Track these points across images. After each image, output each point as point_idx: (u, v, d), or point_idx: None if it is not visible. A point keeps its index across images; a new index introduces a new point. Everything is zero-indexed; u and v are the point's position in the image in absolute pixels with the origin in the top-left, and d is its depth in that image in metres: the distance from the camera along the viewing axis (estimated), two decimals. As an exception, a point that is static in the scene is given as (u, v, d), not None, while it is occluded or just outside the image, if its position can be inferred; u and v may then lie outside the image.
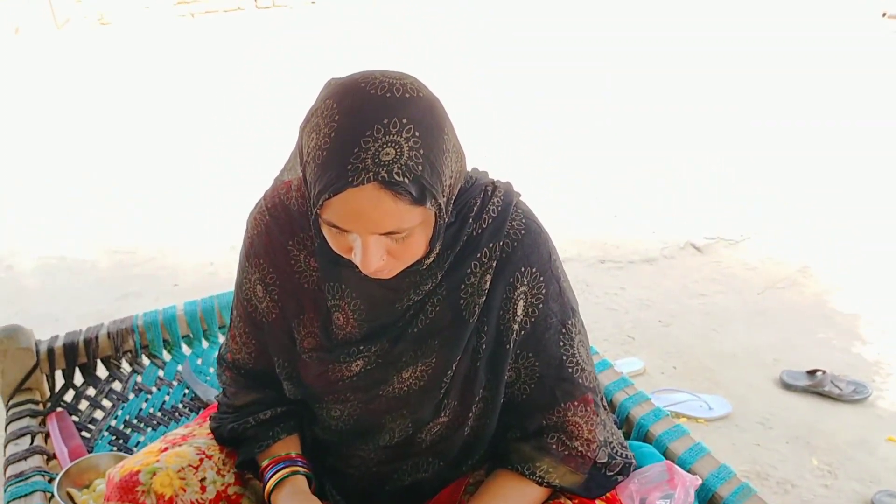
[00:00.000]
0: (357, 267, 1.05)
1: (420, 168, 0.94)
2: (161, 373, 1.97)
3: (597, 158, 5.11)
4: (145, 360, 1.99)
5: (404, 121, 0.93)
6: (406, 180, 0.93)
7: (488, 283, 1.17)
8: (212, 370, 1.97)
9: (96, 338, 1.91)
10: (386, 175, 0.92)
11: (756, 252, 3.86)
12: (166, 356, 2.01)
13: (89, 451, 1.73)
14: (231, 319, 1.36)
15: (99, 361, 1.95)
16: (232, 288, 1.98)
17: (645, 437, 1.62)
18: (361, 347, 1.19)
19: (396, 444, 1.27)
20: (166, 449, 1.30)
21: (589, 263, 3.73)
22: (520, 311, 1.19)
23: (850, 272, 3.65)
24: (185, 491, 1.24)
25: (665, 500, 1.36)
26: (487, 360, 1.21)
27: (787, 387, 2.77)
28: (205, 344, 2.04)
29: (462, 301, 1.17)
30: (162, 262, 3.78)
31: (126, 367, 1.97)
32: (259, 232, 1.24)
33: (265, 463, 1.26)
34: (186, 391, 1.93)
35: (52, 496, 1.57)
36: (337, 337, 1.21)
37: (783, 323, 3.23)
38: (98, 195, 4.58)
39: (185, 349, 2.03)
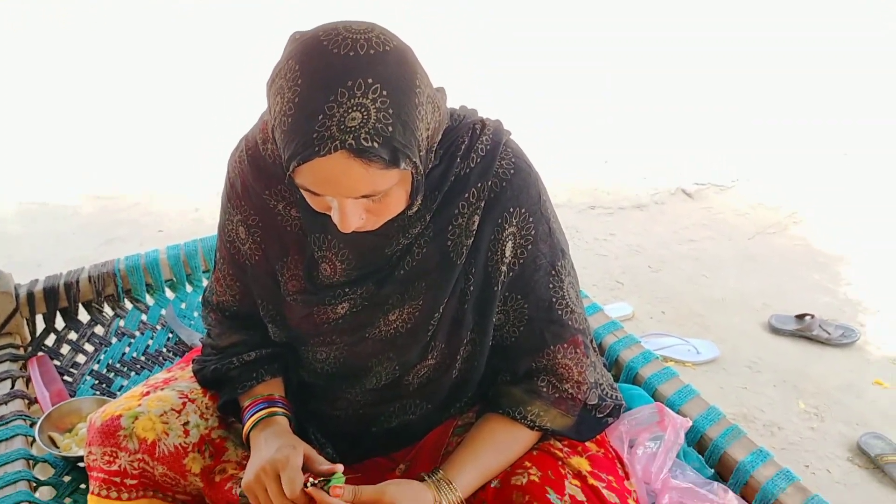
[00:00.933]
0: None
1: (391, 129, 0.90)
2: (144, 317, 1.94)
3: (588, 106, 5.05)
4: (128, 305, 1.96)
5: (370, 80, 0.88)
6: (375, 145, 0.89)
7: (476, 224, 1.14)
8: (196, 314, 1.94)
9: (77, 282, 1.88)
10: (353, 142, 0.87)
11: (747, 198, 3.84)
12: (149, 300, 1.98)
13: (71, 396, 1.71)
14: (215, 262, 1.33)
15: (81, 306, 1.92)
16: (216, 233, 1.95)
17: (634, 380, 1.62)
18: (347, 290, 1.17)
19: (383, 386, 1.25)
20: (148, 393, 1.28)
21: (579, 210, 3.70)
22: (508, 253, 1.17)
23: (840, 218, 3.64)
24: (167, 435, 1.22)
25: (655, 442, 1.36)
26: (475, 303, 1.19)
27: (776, 331, 2.77)
28: (188, 288, 2.01)
29: (450, 242, 1.14)
30: (147, 208, 3.73)
31: (108, 311, 1.94)
32: (240, 174, 1.20)
33: (246, 403, 1.24)
34: (170, 335, 1.90)
35: (34, 440, 1.55)
36: (322, 282, 1.19)
37: (773, 268, 3.23)
38: (81, 139, 4.49)
39: (169, 293, 2.00)
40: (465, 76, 5.19)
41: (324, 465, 1.11)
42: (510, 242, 1.16)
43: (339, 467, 1.09)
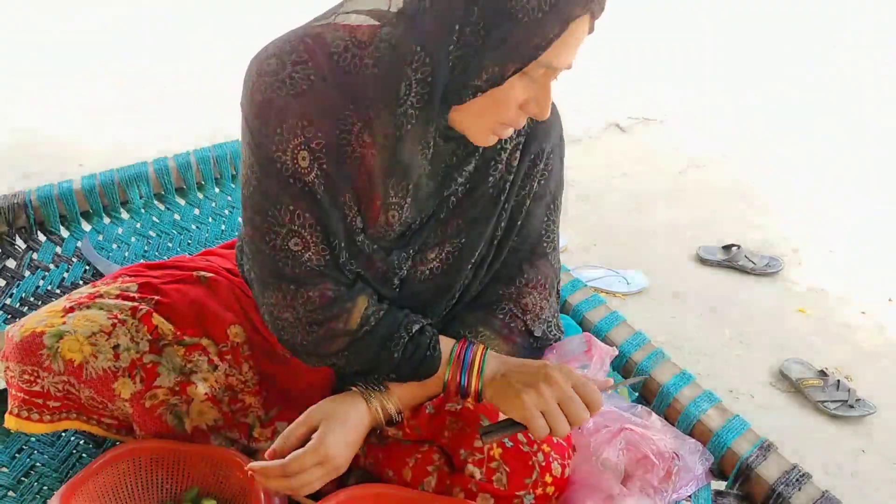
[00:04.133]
0: (480, 137, 1.03)
1: None
2: (59, 249, 1.86)
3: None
4: (41, 237, 1.88)
5: None
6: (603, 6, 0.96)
7: (517, 160, 1.15)
8: (115, 246, 1.87)
9: (-14, 213, 1.79)
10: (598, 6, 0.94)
11: (678, 133, 3.87)
12: (64, 233, 1.89)
13: (-17, 331, 1.64)
14: (260, 224, 1.08)
15: (-9, 239, 1.83)
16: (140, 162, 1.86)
17: (563, 308, 1.62)
18: (403, 255, 1.15)
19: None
20: (73, 309, 1.21)
21: (512, 143, 3.68)
22: (534, 187, 1.18)
23: (767, 153, 3.70)
24: (96, 358, 1.17)
25: (582, 370, 1.36)
26: (500, 239, 1.20)
27: (703, 262, 2.82)
28: (106, 220, 1.92)
29: (491, 178, 1.14)
30: (65, 141, 3.58)
31: (20, 243, 1.85)
32: (300, 92, 1.00)
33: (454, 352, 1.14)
34: (87, 267, 1.83)
35: (-59, 376, 1.48)
36: (378, 230, 1.11)
37: (702, 201, 3.27)
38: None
39: (85, 225, 1.92)
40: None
41: None
42: (537, 178, 1.18)
43: None
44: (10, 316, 1.70)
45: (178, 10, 5.14)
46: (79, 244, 1.86)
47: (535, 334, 1.25)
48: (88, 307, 1.21)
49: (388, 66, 0.98)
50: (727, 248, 2.82)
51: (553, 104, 1.15)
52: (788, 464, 1.25)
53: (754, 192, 3.35)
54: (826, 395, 2.22)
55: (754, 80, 4.48)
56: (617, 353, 1.43)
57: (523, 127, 1.12)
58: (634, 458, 1.23)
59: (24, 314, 1.70)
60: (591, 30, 0.96)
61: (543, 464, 1.09)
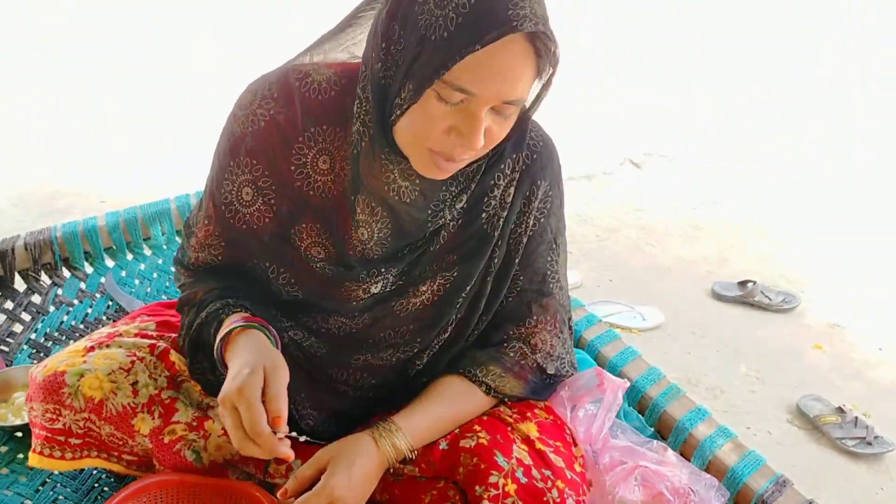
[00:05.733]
0: (421, 163, 1.01)
1: (554, 34, 0.93)
2: (83, 285, 1.89)
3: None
4: (66, 273, 1.91)
5: None
6: (552, 41, 0.92)
7: (511, 196, 1.15)
8: (137, 282, 1.91)
9: (12, 249, 1.82)
10: (543, 28, 0.90)
11: (692, 168, 3.89)
12: (88, 268, 1.93)
13: (8, 365, 1.67)
14: (193, 221, 1.24)
15: (17, 275, 1.87)
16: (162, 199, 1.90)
17: (578, 343, 1.63)
18: (382, 269, 1.14)
19: (395, 361, 1.24)
20: (93, 349, 1.23)
21: (528, 179, 3.70)
22: (530, 224, 1.19)
23: (783, 187, 3.71)
24: (115, 395, 1.19)
25: (595, 405, 1.37)
26: (495, 276, 1.20)
27: (719, 297, 2.82)
28: (129, 256, 1.96)
29: (485, 214, 1.15)
30: (89, 179, 3.64)
31: (45, 279, 1.89)
32: (257, 129, 1.10)
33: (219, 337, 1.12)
34: (110, 303, 1.86)
35: (-32, 410, 1.51)
36: (353, 252, 1.13)
37: (716, 237, 3.28)
38: (19, 109, 4.35)
39: (108, 261, 1.96)
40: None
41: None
42: (533, 214, 1.18)
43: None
44: (35, 350, 1.73)
45: (206, 48, 5.23)
46: (102, 280, 1.90)
47: (549, 371, 1.26)
48: (108, 346, 1.24)
49: (344, 87, 1.06)
50: (743, 283, 2.82)
51: (548, 140, 1.18)
52: (804, 500, 1.25)
53: (769, 228, 3.36)
54: (844, 432, 2.20)
55: (763, 115, 4.50)
56: (628, 385, 1.44)
57: (518, 162, 1.14)
58: (650, 495, 1.24)
59: (48, 349, 1.74)
60: (545, 56, 0.92)
61: (558, 500, 1.09)
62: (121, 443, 1.23)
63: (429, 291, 1.18)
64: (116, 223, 1.93)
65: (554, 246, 1.22)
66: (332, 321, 1.21)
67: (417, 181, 1.07)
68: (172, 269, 1.32)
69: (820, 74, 4.80)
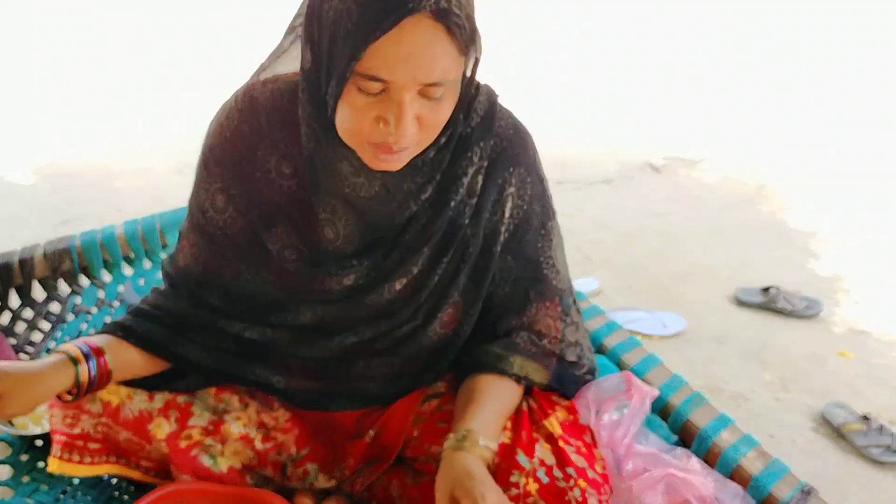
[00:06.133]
0: (367, 157, 1.02)
1: (468, 9, 0.92)
2: (102, 293, 1.90)
3: (554, 81, 5.04)
4: (85, 281, 1.92)
5: None
6: (461, 15, 0.90)
7: (480, 185, 1.15)
8: (155, 290, 1.91)
9: (31, 258, 1.82)
10: (445, 4, 0.88)
11: (713, 172, 3.86)
12: (106, 277, 1.93)
13: (27, 374, 1.67)
14: (181, 230, 1.29)
15: (36, 283, 1.87)
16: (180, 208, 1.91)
17: (598, 350, 1.61)
18: (354, 262, 1.15)
19: (355, 343, 1.23)
20: None
21: (546, 185, 3.69)
22: (507, 213, 1.18)
23: (805, 191, 3.67)
24: (132, 400, 1.22)
25: (621, 410, 1.35)
26: (471, 266, 1.19)
27: (741, 303, 2.79)
28: (147, 264, 1.96)
29: (453, 203, 1.14)
30: (105, 187, 3.66)
31: (65, 288, 1.90)
32: (224, 140, 1.16)
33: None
34: (129, 312, 1.87)
35: (-11, 419, 1.52)
36: (326, 249, 1.16)
37: (738, 242, 3.25)
38: (35, 118, 4.40)
39: (127, 269, 1.96)
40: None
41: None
42: (509, 202, 1.18)
43: None
44: (53, 359, 1.73)
45: (226, 59, 5.26)
46: (121, 288, 1.90)
47: (569, 358, 1.25)
48: None
49: (294, 93, 1.10)
50: (766, 289, 2.79)
51: (519, 127, 1.18)
52: (830, 509, 1.23)
53: (791, 232, 3.32)
54: (869, 440, 2.17)
55: (786, 120, 4.47)
56: (657, 393, 1.42)
57: (486, 150, 1.13)
58: (675, 503, 1.22)
59: (67, 357, 1.74)
60: (458, 31, 0.91)
61: (580, 499, 1.08)
62: (138, 448, 1.26)
63: (402, 283, 1.17)
64: (134, 232, 1.93)
65: (543, 232, 1.22)
66: (304, 313, 1.22)
67: (378, 175, 1.08)
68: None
69: (842, 77, 4.76)
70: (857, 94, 4.82)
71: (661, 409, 1.45)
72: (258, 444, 1.26)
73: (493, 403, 1.17)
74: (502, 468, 1.11)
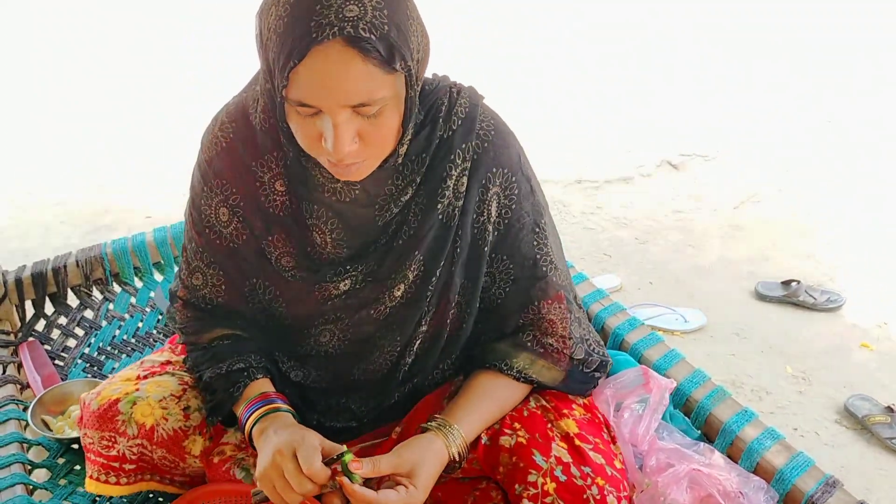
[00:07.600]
0: (328, 169, 1.05)
1: (386, 27, 0.92)
2: (133, 300, 1.94)
3: (572, 78, 5.05)
4: (117, 288, 1.97)
5: None
6: (373, 37, 0.90)
7: (465, 186, 1.16)
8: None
9: (65, 267, 1.88)
10: (352, 30, 0.89)
11: (731, 168, 3.85)
12: (138, 283, 1.98)
13: (63, 380, 1.72)
14: (184, 254, 1.30)
15: (70, 291, 1.92)
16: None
17: (620, 346, 1.63)
18: (348, 267, 1.18)
19: (386, 363, 1.26)
20: (146, 377, 1.29)
21: (565, 184, 3.70)
22: (493, 213, 1.19)
23: (824, 185, 3.66)
24: (166, 420, 1.24)
25: (641, 405, 1.38)
26: (463, 265, 1.21)
27: (762, 298, 2.79)
28: (177, 270, 2.01)
29: (440, 206, 1.16)
30: (134, 195, 3.71)
31: (97, 295, 1.95)
32: (220, 151, 1.19)
33: (241, 409, 1.20)
34: (160, 317, 1.91)
35: (27, 424, 1.56)
36: (319, 257, 1.19)
37: (758, 236, 3.24)
38: (66, 128, 4.46)
39: (157, 276, 2.00)
40: (446, 48, 5.18)
41: (326, 443, 1.09)
42: (495, 202, 1.19)
43: (343, 447, 1.08)
44: (88, 364, 1.78)
45: (250, 62, 5.31)
46: (152, 294, 1.95)
47: (577, 356, 1.26)
48: (160, 374, 1.30)
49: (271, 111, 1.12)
50: (786, 283, 2.79)
51: (501, 128, 1.20)
52: (855, 501, 1.24)
53: (811, 226, 3.31)
54: (893, 432, 2.17)
55: (804, 113, 4.45)
56: (675, 385, 1.44)
57: (468, 152, 1.15)
58: (699, 497, 1.24)
59: (102, 363, 1.78)
60: (374, 52, 0.91)
61: (598, 497, 1.09)
62: (172, 465, 1.28)
63: (400, 290, 1.20)
64: (164, 238, 1.97)
65: (537, 230, 1.23)
66: (323, 333, 1.24)
67: (357, 181, 1.11)
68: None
69: (861, 73, 4.73)
70: (868, 90, 4.79)
71: (684, 404, 1.47)
72: None
73: (488, 404, 1.21)
74: (520, 468, 1.13)
